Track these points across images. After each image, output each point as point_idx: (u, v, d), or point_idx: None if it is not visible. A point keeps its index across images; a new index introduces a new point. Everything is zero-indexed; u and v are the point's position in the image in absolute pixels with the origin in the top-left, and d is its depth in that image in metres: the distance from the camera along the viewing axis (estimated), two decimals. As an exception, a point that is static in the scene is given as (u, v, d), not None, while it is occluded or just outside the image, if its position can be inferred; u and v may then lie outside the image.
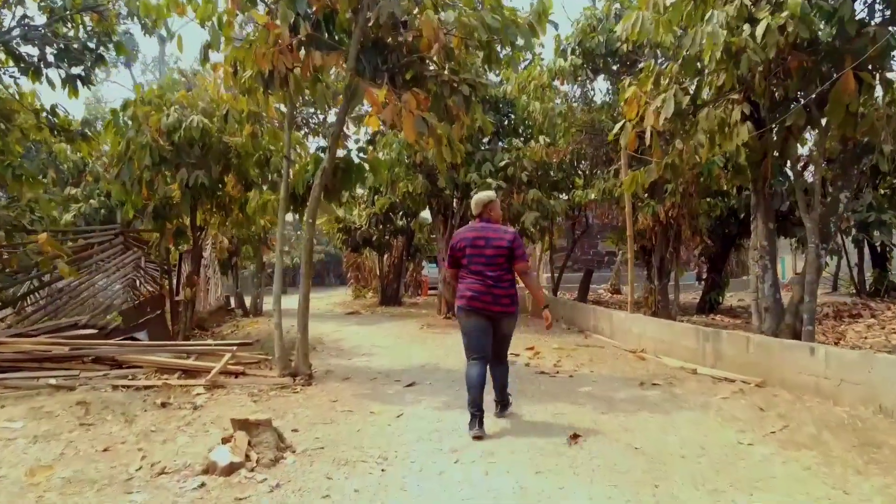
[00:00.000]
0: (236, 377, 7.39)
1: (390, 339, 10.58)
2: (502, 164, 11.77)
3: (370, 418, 5.43)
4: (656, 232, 11.15)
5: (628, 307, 9.63)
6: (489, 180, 11.51)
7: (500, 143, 12.82)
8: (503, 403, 5.32)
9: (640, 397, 6.02)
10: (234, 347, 7.80)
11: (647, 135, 7.20)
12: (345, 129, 13.73)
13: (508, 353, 5.44)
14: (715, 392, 6.07)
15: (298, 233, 37.46)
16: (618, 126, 7.39)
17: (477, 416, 4.69)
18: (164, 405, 5.83)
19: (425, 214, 17.11)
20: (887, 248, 15.85)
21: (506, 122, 13.23)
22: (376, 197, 15.20)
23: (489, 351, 4.93)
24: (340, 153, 8.06)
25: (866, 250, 16.09)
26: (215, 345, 7.94)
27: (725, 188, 11.46)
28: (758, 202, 7.78)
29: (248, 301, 16.53)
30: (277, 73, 6.19)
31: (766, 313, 7.57)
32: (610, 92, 11.63)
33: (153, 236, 9.95)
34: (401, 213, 18.30)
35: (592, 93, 12.06)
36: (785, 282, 22.55)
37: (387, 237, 19.00)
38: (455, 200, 13.60)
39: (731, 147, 6.78)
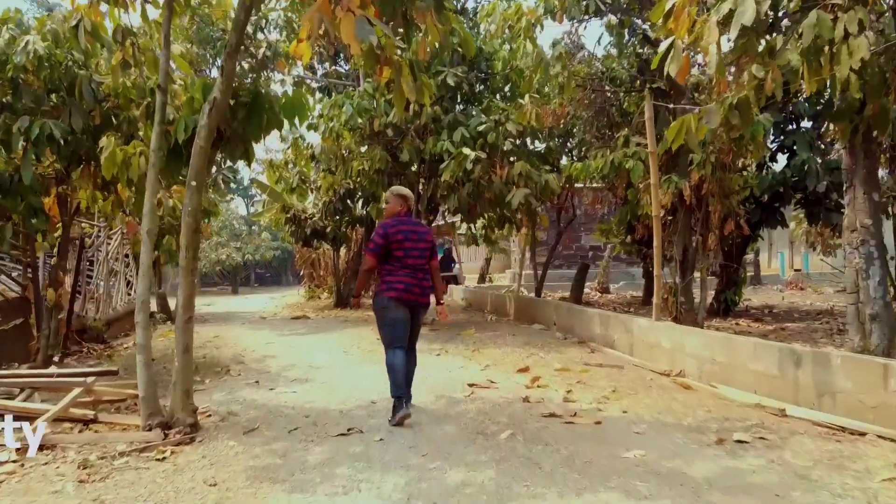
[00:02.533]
0: (85, 426, 4.80)
1: (336, 356, 8.00)
2: (481, 128, 9.27)
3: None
4: (675, 216, 8.78)
5: (653, 312, 7.26)
6: (465, 150, 9.00)
7: (475, 106, 10.35)
8: (409, 397, 4.99)
9: (733, 471, 3.57)
10: (90, 379, 5.17)
11: (708, 57, 4.80)
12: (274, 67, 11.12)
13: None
14: (858, 459, 3.65)
15: (253, 227, 34.54)
16: (664, 46, 4.94)
17: (403, 398, 4.80)
18: None
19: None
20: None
21: (483, 80, 10.73)
22: (325, 176, 12.54)
23: (407, 340, 5.07)
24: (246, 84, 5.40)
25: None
26: (59, 375, 5.28)
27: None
28: (855, 163, 5.43)
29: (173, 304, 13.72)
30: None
31: (874, 323, 5.21)
32: (609, 38, 9.21)
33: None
34: (359, 198, 15.71)
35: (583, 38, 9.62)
36: (786, 278, 20.62)
37: (343, 228, 16.39)
38: (422, 179, 11.05)
39: (843, 71, 4.38)
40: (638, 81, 9.37)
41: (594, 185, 14.34)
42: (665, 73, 5.16)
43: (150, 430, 4.42)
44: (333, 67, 14.58)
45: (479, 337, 9.47)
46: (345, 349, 8.47)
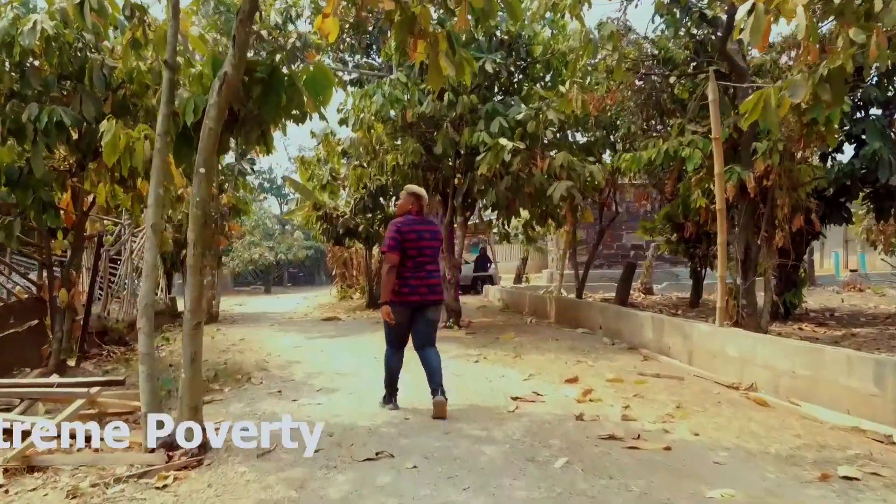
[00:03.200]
0: (87, 444, 4.30)
1: (366, 361, 7.42)
2: (520, 116, 8.60)
3: None
4: (736, 210, 8.01)
5: (717, 316, 6.53)
6: (502, 141, 8.35)
7: (513, 97, 9.67)
8: (441, 388, 4.98)
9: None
10: (93, 389, 4.68)
11: (796, 21, 4.08)
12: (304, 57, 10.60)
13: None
14: None
15: (286, 226, 34.33)
16: (743, 9, 4.22)
17: (394, 392, 5.26)
18: None
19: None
20: None
21: (522, 68, 10.05)
22: (355, 169, 12.00)
23: (406, 339, 5.18)
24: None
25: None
26: (59, 385, 4.79)
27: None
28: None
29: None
30: None
31: None
32: (660, 18, 8.44)
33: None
34: (392, 195, 15.18)
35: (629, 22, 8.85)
36: (843, 279, 19.43)
37: (375, 226, 15.88)
38: (457, 174, 10.43)
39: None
40: (693, 64, 8.60)
41: (636, 181, 13.65)
42: (725, 54, 4.46)
43: (153, 450, 3.89)
44: (366, 60, 14.03)
45: (519, 341, 8.82)
46: (376, 354, 7.85)
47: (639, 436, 4.24)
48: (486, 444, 4.16)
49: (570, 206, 9.12)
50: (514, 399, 5.37)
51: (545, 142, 8.92)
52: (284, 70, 4.28)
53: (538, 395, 5.56)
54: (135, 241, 10.74)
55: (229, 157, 13.47)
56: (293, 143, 56.86)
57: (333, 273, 21.07)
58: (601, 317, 9.34)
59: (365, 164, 11.31)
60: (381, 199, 15.41)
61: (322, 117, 12.86)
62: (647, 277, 17.14)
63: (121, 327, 8.91)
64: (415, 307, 4.99)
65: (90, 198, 7.40)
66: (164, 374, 6.17)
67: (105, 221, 9.46)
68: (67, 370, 6.75)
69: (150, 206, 4.14)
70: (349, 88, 14.43)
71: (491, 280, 22.20)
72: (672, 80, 8.87)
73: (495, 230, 13.92)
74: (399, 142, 10.38)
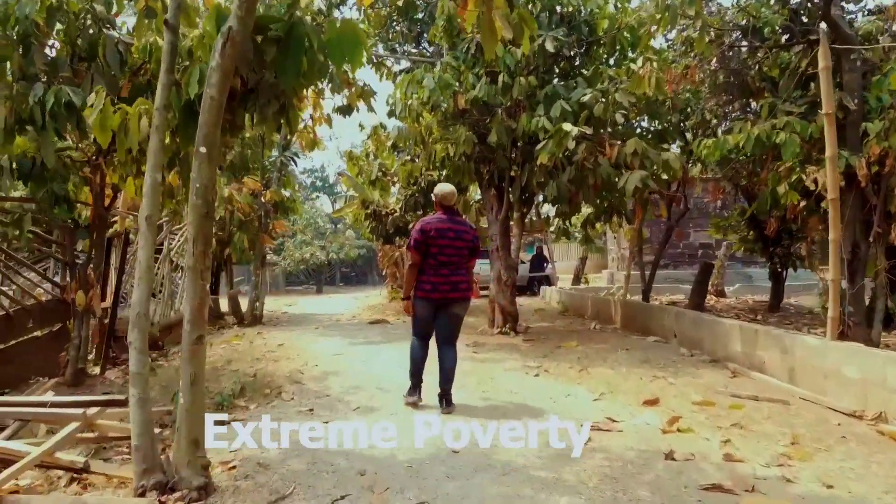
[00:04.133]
0: (78, 474, 3.64)
1: (412, 373, 6.64)
2: (585, 98, 7.64)
3: None
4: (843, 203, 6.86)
5: (827, 328, 5.46)
6: (566, 126, 7.41)
7: (574, 79, 8.71)
8: (448, 398, 5.10)
9: None
10: (91, 410, 4.01)
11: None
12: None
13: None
14: None
15: (338, 225, 33.95)
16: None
17: (418, 384, 5.22)
18: None
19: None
20: None
21: (585, 49, 9.06)
22: (405, 164, 11.25)
23: (431, 332, 5.19)
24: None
25: None
26: (53, 404, 4.14)
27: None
28: None
29: (245, 305, 12.78)
30: None
31: None
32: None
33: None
34: (442, 192, 14.38)
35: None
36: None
37: (426, 224, 15.09)
38: (513, 165, 9.52)
39: None
40: (786, 36, 7.49)
41: (704, 175, 12.48)
42: (829, 20, 3.45)
43: (143, 493, 3.16)
44: (416, 49, 13.28)
45: (583, 351, 7.87)
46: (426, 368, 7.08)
47: (753, 487, 3.29)
48: (555, 491, 3.29)
49: (641, 199, 8.10)
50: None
51: (611, 130, 7.92)
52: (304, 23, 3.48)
53: (613, 421, 4.65)
54: (173, 238, 10.25)
55: (273, 152, 12.92)
56: (346, 137, 56.42)
57: (384, 273, 20.42)
58: (676, 324, 8.29)
59: (414, 158, 10.51)
60: (432, 195, 14.64)
61: (370, 108, 12.10)
62: (718, 279, 15.82)
63: (154, 331, 8.37)
64: (438, 304, 5.09)
65: (117, 192, 6.88)
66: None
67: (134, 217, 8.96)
68: (86, 380, 6.19)
69: (145, 195, 3.42)
70: (398, 80, 13.74)
71: (548, 280, 21.17)
72: (760, 53, 7.76)
73: (552, 228, 12.91)
74: (450, 132, 9.57)
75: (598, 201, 8.72)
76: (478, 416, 4.82)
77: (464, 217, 5.97)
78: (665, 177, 8.11)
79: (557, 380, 6.20)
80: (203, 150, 3.23)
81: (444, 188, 5.30)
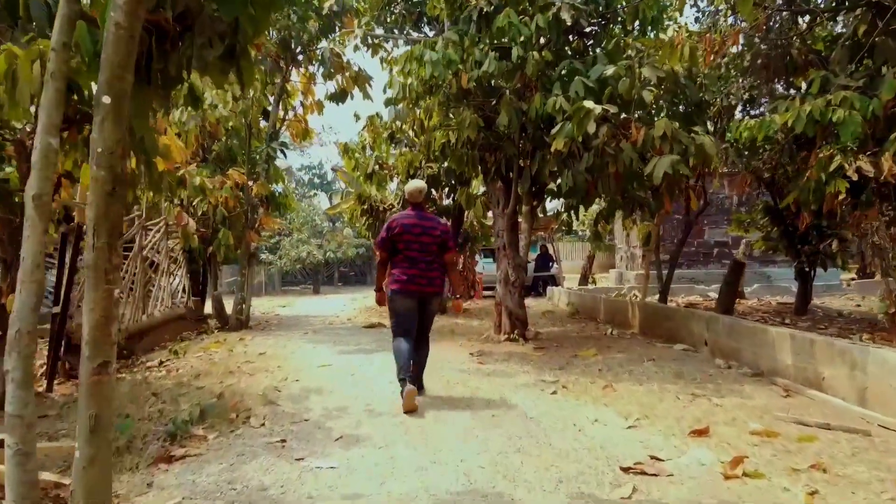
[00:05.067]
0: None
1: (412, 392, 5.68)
2: (609, 72, 6.67)
3: None
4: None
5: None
6: (588, 104, 6.45)
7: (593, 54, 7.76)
8: (418, 383, 5.34)
9: None
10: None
11: None
12: (343, 24, 8.95)
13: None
14: None
15: (336, 224, 32.96)
16: None
17: (407, 378, 5.00)
18: None
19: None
20: None
21: (602, 23, 8.11)
22: (402, 153, 10.31)
23: (415, 329, 5.25)
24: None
25: None
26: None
27: None
28: None
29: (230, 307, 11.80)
30: None
31: None
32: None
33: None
34: (444, 185, 13.44)
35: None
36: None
37: (426, 221, 14.15)
38: (523, 153, 8.56)
39: None
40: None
41: (725, 167, 11.56)
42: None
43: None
44: (418, 36, 12.34)
45: (604, 362, 6.93)
46: (424, 382, 6.13)
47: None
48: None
49: (670, 189, 7.15)
50: (624, 470, 3.52)
51: (642, 103, 6.95)
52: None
53: (657, 459, 3.70)
54: (146, 236, 9.31)
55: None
56: (347, 133, 55.31)
57: (382, 272, 19.44)
58: (708, 330, 7.34)
59: (411, 146, 9.57)
60: (432, 189, 13.68)
61: (366, 95, 11.11)
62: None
63: (119, 338, 7.41)
64: (415, 297, 5.18)
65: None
66: (130, 409, 4.58)
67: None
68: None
69: (34, 166, 2.47)
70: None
71: (553, 280, 20.22)
72: (804, 22, 6.81)
73: (562, 224, 11.89)
74: (452, 117, 8.62)
75: (615, 192, 7.75)
76: (489, 450, 3.88)
77: (432, 211, 5.86)
78: (694, 164, 7.14)
79: (579, 399, 5.26)
80: (106, 100, 2.29)
81: (411, 185, 5.39)
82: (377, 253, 5.33)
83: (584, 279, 20.52)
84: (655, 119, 7.25)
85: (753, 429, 4.22)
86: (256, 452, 3.96)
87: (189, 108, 10.60)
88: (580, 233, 30.34)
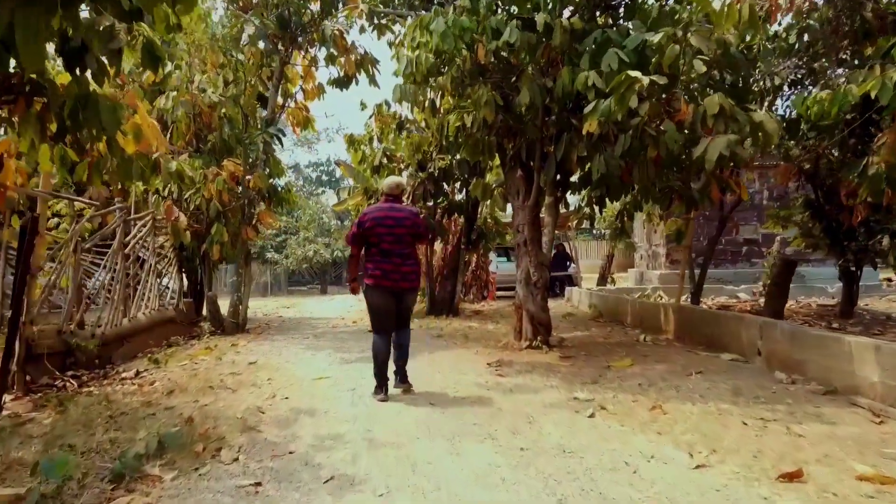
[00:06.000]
0: None
1: (420, 413, 4.76)
2: (655, 40, 5.69)
3: None
4: None
5: None
6: (633, 73, 5.49)
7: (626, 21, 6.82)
8: (402, 376, 5.39)
9: None
10: None
11: None
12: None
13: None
14: None
15: (344, 221, 32.05)
16: None
17: (382, 383, 5.13)
18: None
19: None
20: None
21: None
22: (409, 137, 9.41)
23: (393, 326, 5.26)
24: None
25: None
26: None
27: None
28: None
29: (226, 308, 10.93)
30: None
31: None
32: None
33: None
34: (457, 178, 12.54)
35: None
36: None
37: (437, 216, 13.28)
38: (545, 139, 7.63)
39: None
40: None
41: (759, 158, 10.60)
42: None
43: None
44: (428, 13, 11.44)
45: (643, 374, 6.00)
46: (434, 399, 5.21)
47: None
48: None
49: (718, 177, 6.19)
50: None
51: (692, 76, 5.99)
52: None
53: (748, 519, 2.77)
54: (130, 231, 8.45)
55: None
56: (350, 122, 53.99)
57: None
58: (762, 338, 6.39)
59: (416, 128, 8.65)
60: (444, 183, 12.78)
61: (372, 80, 10.16)
62: (769, 278, 13.86)
63: (91, 346, 6.56)
64: (390, 292, 5.14)
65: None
66: (78, 437, 3.70)
67: (75, 202, 7.20)
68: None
69: None
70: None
71: (571, 280, 19.26)
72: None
73: (584, 219, 10.83)
74: (466, 97, 7.69)
75: (658, 180, 6.81)
76: (521, 501, 2.97)
77: (406, 203, 5.95)
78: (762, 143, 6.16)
79: (624, 424, 4.33)
80: None
81: (389, 179, 5.45)
82: (349, 247, 5.40)
83: (603, 279, 19.51)
84: (698, 96, 6.31)
85: (861, 472, 3.29)
86: (221, 499, 3.07)
87: (174, 93, 9.75)
88: (595, 231, 29.33)
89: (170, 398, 5.12)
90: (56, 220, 8.03)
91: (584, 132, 6.19)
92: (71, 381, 5.90)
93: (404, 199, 13.52)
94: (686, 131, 6.13)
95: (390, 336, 5.25)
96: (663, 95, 6.10)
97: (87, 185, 10.93)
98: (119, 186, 10.91)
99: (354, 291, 5.53)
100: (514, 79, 7.17)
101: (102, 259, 7.88)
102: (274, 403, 4.98)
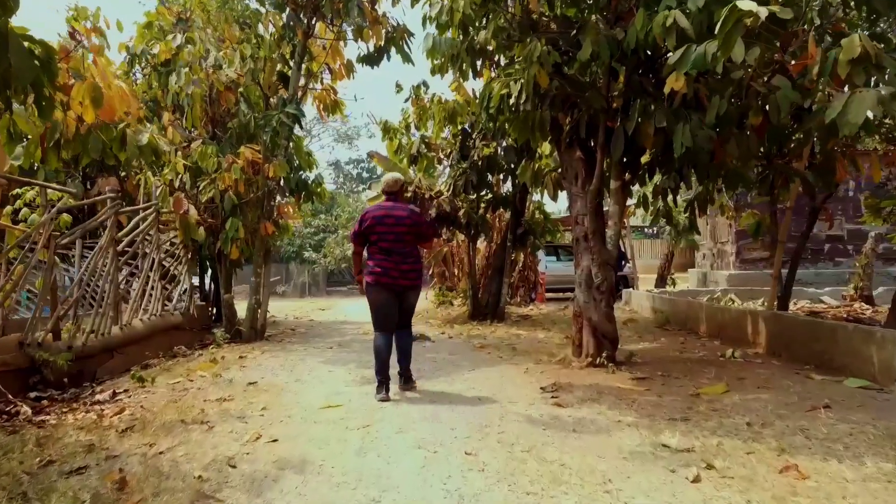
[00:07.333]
0: None
1: (454, 471, 3.43)
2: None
3: None
4: None
5: None
6: (741, 3, 4.06)
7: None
8: (406, 376, 5.38)
9: None
10: None
11: None
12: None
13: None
14: None
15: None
16: None
17: (384, 382, 5.06)
18: None
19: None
20: None
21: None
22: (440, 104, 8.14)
23: (395, 324, 5.22)
24: None
25: None
26: None
27: None
28: None
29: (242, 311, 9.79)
30: None
31: None
32: None
33: None
34: (505, 167, 11.21)
35: None
36: None
37: (480, 211, 11.97)
38: (610, 109, 6.21)
39: None
40: None
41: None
42: None
43: None
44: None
45: (744, 406, 4.56)
46: (473, 447, 3.87)
47: None
48: None
49: (851, 148, 4.69)
50: None
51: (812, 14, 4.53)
52: None
53: None
54: (133, 226, 7.36)
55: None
56: (382, 108, 52.56)
57: (431, 272, 17.30)
58: (877, 357, 4.86)
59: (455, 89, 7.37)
60: (488, 174, 11.45)
61: (405, 57, 8.91)
62: (862, 280, 12.07)
63: (60, 360, 5.43)
64: (390, 290, 5.12)
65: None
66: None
67: (38, 188, 6.11)
68: None
69: None
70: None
71: (626, 281, 17.69)
72: None
73: (657, 212, 9.26)
74: (512, 62, 6.35)
75: (762, 158, 5.34)
76: None
77: (488, 199, 4.49)
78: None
79: (749, 497, 2.92)
80: None
81: (388, 176, 5.40)
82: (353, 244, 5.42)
83: (662, 280, 17.87)
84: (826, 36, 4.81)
85: None
86: None
87: (186, 70, 8.67)
88: (648, 228, 27.47)
89: (122, 439, 3.90)
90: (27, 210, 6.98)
91: (665, 92, 4.79)
92: (25, 406, 4.77)
93: (432, 194, 12.37)
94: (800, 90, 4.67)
95: (392, 334, 5.20)
96: (776, 42, 4.65)
97: (73, 172, 9.92)
98: (135, 179, 9.98)
99: (362, 291, 5.39)
100: (573, 32, 5.78)
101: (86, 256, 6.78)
102: (254, 450, 3.70)
